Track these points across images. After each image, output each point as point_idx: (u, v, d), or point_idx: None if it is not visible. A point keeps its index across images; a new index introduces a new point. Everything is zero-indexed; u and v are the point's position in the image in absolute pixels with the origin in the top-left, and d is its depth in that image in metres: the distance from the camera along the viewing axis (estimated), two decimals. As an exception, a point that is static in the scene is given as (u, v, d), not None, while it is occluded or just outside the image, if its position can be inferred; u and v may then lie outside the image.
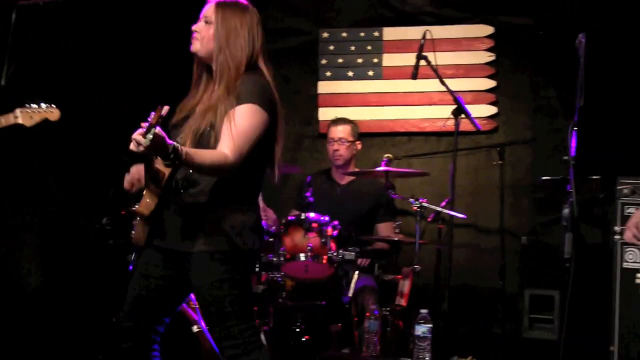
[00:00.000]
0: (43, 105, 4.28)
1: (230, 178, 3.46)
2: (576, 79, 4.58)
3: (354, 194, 5.87)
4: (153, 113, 3.11)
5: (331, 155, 5.96)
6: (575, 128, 4.59)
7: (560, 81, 6.33)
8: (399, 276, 5.47)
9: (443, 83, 5.40)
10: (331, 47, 6.92)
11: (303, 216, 5.29)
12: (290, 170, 6.09)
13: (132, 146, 3.18)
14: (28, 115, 4.30)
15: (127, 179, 3.64)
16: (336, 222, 5.30)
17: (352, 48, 6.90)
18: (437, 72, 5.41)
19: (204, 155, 3.33)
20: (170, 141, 3.16)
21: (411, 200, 5.36)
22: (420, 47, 5.42)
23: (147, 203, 3.43)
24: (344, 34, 6.92)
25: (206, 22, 3.61)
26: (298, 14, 7.05)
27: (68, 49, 6.05)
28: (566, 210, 4.62)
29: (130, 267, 3.76)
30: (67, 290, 6.26)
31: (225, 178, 3.46)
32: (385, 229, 5.82)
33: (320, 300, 5.31)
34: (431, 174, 5.98)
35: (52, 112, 4.31)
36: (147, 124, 3.10)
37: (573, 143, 4.61)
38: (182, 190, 3.49)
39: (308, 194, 5.42)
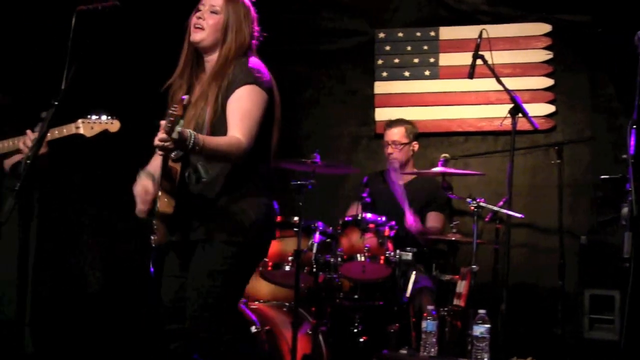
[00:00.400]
0: (104, 116, 4.37)
1: (239, 166, 3.48)
2: (635, 76, 4.52)
3: (411, 194, 5.86)
4: (175, 107, 3.09)
5: (387, 157, 5.97)
6: (635, 126, 4.52)
7: (619, 78, 6.25)
8: (457, 276, 5.44)
9: (500, 82, 5.36)
10: (387, 48, 6.92)
11: (360, 217, 5.31)
12: (347, 171, 6.10)
13: (155, 144, 3.16)
14: (89, 126, 4.39)
15: (141, 201, 3.61)
16: (393, 223, 5.30)
17: (409, 48, 6.88)
18: (493, 71, 5.37)
19: (220, 141, 3.35)
20: (188, 131, 3.18)
21: (468, 200, 5.34)
22: (477, 46, 5.39)
23: (166, 202, 3.46)
24: (400, 34, 6.91)
25: (212, 12, 3.63)
26: (354, 14, 7.05)
27: (125, 53, 6.15)
28: (625, 209, 4.55)
29: (152, 270, 3.79)
30: (124, 292, 6.36)
31: (234, 166, 3.48)
32: (433, 219, 5.79)
33: (378, 300, 5.32)
34: (488, 173, 5.96)
35: (112, 124, 4.39)
36: (168, 121, 3.08)
37: (632, 141, 4.54)
38: (194, 182, 3.51)
39: (365, 194, 5.43)
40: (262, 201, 3.61)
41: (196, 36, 3.63)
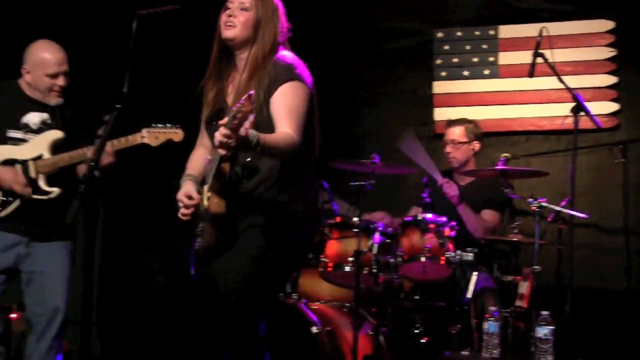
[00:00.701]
0: (168, 125, 4.43)
1: (287, 161, 3.48)
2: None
3: (472, 195, 5.81)
4: (242, 102, 3.05)
5: (446, 157, 5.94)
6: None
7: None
8: (519, 277, 5.37)
9: (561, 80, 5.29)
10: (446, 47, 6.88)
11: (420, 217, 5.28)
12: (406, 171, 6.07)
13: (219, 140, 3.11)
14: (154, 135, 4.47)
15: (184, 206, 3.61)
16: (454, 223, 5.26)
17: (468, 47, 6.83)
18: (554, 70, 5.30)
19: (276, 138, 3.34)
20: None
21: (530, 200, 5.26)
22: (537, 44, 5.32)
23: (217, 202, 3.45)
24: (459, 33, 6.87)
25: (242, 9, 3.62)
26: (412, 14, 7.02)
27: (187, 57, 6.19)
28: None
29: (195, 277, 3.79)
30: (185, 295, 6.42)
31: (282, 162, 3.49)
32: (486, 215, 5.73)
33: (439, 301, 5.29)
34: (551, 173, 5.87)
35: (176, 133, 4.46)
36: (234, 117, 3.04)
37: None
38: (245, 180, 3.51)
39: (425, 194, 5.40)
40: (307, 196, 3.62)
41: (228, 33, 3.63)
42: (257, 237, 3.51)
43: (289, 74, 3.53)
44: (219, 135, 3.09)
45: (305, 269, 5.62)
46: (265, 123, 3.44)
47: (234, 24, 3.61)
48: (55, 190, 4.53)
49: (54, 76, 4.61)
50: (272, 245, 3.50)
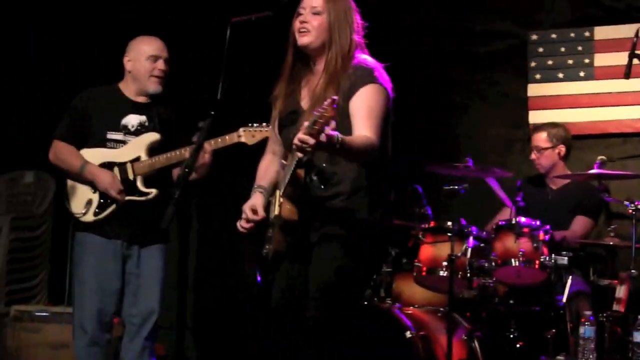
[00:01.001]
0: (264, 124, 4.54)
1: (362, 166, 3.47)
2: None
3: (566, 198, 5.76)
4: (324, 107, 3.03)
5: (534, 163, 5.92)
6: None
7: None
8: (616, 281, 5.31)
9: (658, 81, 5.22)
10: (540, 49, 6.81)
11: (514, 221, 5.26)
12: (501, 175, 6.05)
13: (297, 144, 3.12)
14: (250, 134, 4.59)
15: (246, 220, 3.64)
16: (548, 227, 5.23)
17: (562, 49, 6.75)
18: (650, 70, 5.24)
19: (356, 140, 3.32)
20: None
21: (626, 203, 5.20)
22: (633, 45, 5.25)
23: (290, 209, 3.46)
24: (554, 35, 6.80)
25: (314, 13, 3.58)
26: (506, 17, 6.98)
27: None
28: None
29: (259, 279, 3.85)
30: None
31: (358, 167, 3.47)
32: (576, 222, 5.67)
33: (534, 305, 5.26)
34: (649, 175, 5.79)
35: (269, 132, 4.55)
36: (315, 122, 3.03)
37: None
38: (322, 186, 3.50)
39: (519, 198, 5.39)
40: (383, 203, 3.62)
41: (304, 40, 3.61)
42: (336, 249, 3.51)
43: (369, 77, 3.52)
44: (297, 140, 3.10)
45: (399, 274, 5.66)
46: (343, 128, 3.39)
47: (308, 29, 3.60)
48: (153, 191, 4.68)
49: (155, 59, 4.78)
50: (352, 256, 3.52)
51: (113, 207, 4.69)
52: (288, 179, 3.47)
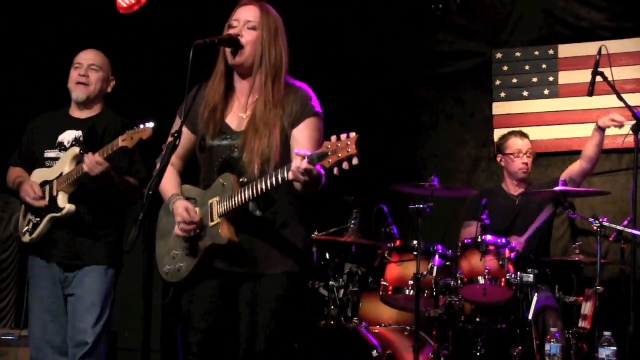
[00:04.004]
0: (140, 126, 4.37)
1: (295, 196, 3.41)
2: None
3: (531, 202, 5.78)
4: (348, 143, 2.95)
5: (518, 169, 5.87)
6: None
7: None
8: (581, 298, 5.33)
9: (621, 99, 5.24)
10: (505, 68, 6.86)
11: (480, 239, 5.26)
12: (466, 193, 6.06)
13: (297, 175, 3.07)
14: (129, 137, 4.38)
15: (189, 220, 3.48)
16: (514, 244, 5.24)
17: (527, 67, 6.80)
18: (614, 88, 5.27)
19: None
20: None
21: (591, 220, 5.22)
22: (596, 63, 5.30)
23: (228, 228, 3.40)
24: (518, 54, 6.84)
25: (250, 28, 3.46)
26: (471, 36, 7.02)
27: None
28: None
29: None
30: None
31: (292, 195, 3.42)
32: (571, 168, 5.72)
33: (500, 323, 5.26)
34: (612, 192, 5.81)
35: (144, 132, 4.39)
36: (321, 156, 2.98)
37: None
38: (262, 212, 3.44)
39: (484, 216, 5.38)
40: (307, 230, 3.60)
41: (238, 59, 3.46)
42: (274, 280, 3.45)
43: (313, 108, 3.46)
44: (298, 170, 3.04)
45: (365, 293, 5.65)
46: (286, 156, 3.39)
47: (243, 44, 3.44)
48: (67, 207, 4.55)
49: (78, 66, 4.75)
50: (291, 285, 3.48)
51: (42, 226, 4.60)
52: (235, 205, 3.36)
